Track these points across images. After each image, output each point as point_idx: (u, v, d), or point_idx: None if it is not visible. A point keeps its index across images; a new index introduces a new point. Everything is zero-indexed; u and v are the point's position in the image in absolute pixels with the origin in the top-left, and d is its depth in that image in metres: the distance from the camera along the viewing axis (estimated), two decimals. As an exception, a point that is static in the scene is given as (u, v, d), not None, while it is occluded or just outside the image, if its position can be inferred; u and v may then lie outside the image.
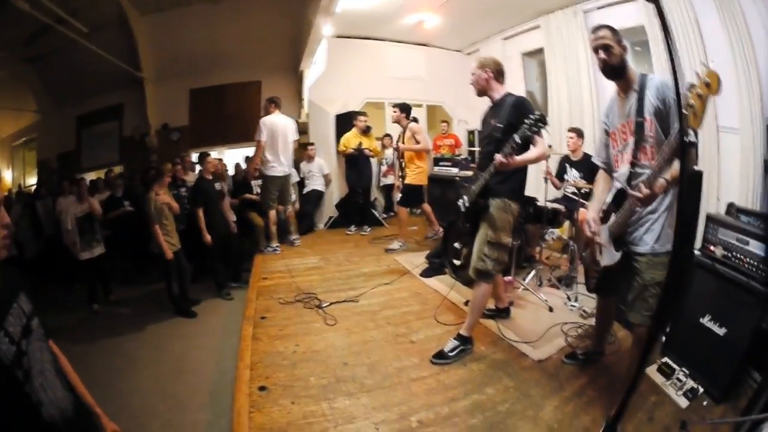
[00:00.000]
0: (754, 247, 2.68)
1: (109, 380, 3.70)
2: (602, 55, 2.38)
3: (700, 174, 3.90)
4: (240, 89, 9.51)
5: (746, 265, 2.70)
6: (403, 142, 6.22)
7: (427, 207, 6.60)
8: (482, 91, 3.33)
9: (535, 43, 7.63)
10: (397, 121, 6.30)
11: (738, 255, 2.76)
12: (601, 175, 2.81)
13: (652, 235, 2.34)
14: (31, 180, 11.53)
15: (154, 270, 6.04)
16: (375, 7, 7.33)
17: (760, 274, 2.59)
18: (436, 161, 8.06)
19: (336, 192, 8.55)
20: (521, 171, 3.19)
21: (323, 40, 7.79)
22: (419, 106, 9.12)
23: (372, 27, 8.38)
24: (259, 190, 6.88)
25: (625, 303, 2.53)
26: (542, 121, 2.72)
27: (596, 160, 2.80)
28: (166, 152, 8.98)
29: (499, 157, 2.84)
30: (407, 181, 6.24)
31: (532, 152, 2.98)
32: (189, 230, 5.84)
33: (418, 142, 6.08)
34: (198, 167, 6.81)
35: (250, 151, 8.38)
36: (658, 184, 2.13)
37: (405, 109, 6.21)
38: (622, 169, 2.46)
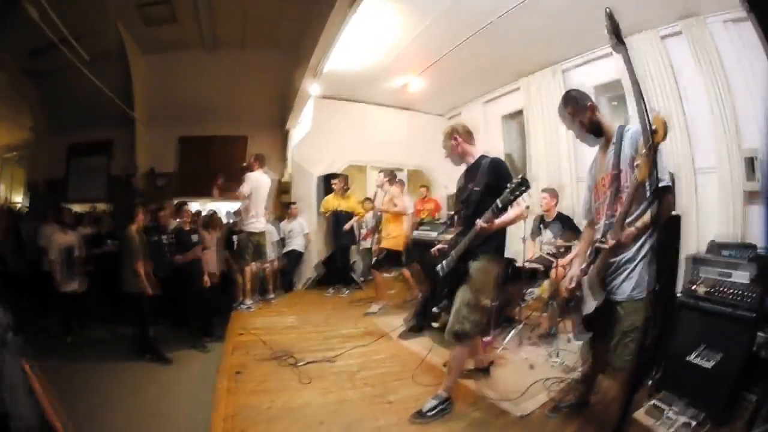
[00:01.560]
0: (738, 277, 2.84)
1: (80, 413, 3.52)
2: (574, 132, 2.62)
3: (677, 218, 4.02)
4: (227, 142, 9.58)
5: (731, 296, 2.83)
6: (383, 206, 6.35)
7: (406, 272, 6.61)
8: (459, 158, 3.42)
9: (515, 105, 7.93)
10: (380, 186, 6.44)
11: (722, 288, 2.91)
12: (586, 231, 2.91)
13: (630, 283, 2.41)
14: (17, 197, 11.40)
15: (129, 311, 5.79)
16: (362, 69, 7.60)
17: (746, 301, 2.72)
18: (416, 225, 8.13)
19: (315, 252, 8.55)
20: (501, 231, 3.19)
21: (310, 100, 7.99)
22: (400, 170, 9.34)
23: (358, 89, 8.63)
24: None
25: (608, 349, 2.55)
26: (525, 185, 2.72)
27: (582, 216, 2.93)
28: (151, 197, 8.75)
29: (480, 222, 2.87)
30: (383, 244, 6.34)
31: (510, 214, 3.01)
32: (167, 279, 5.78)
33: (395, 206, 6.20)
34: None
35: (232, 205, 8.43)
36: (626, 233, 2.26)
37: (391, 174, 6.50)
38: (601, 222, 2.55)
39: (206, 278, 5.92)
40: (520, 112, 7.77)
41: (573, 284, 2.68)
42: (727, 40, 4.63)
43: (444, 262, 3.35)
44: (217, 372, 4.03)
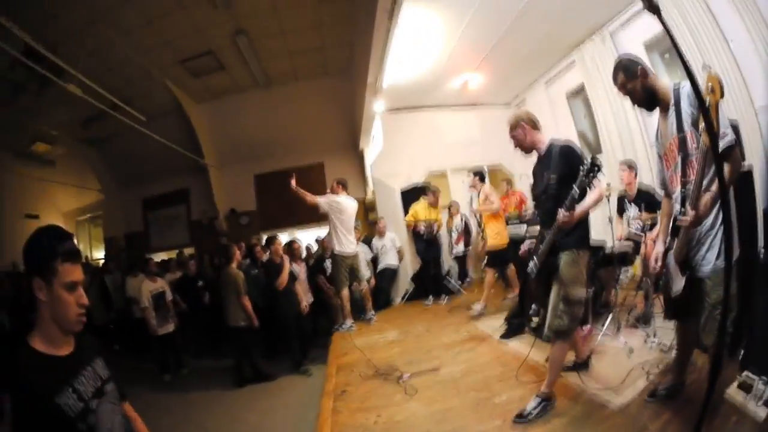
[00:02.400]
0: None
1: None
2: (630, 100, 2.53)
3: (748, 173, 3.69)
4: (303, 172, 9.71)
5: None
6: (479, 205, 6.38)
7: (512, 269, 6.59)
8: (529, 148, 3.32)
9: (576, 80, 7.72)
10: (473, 186, 6.49)
11: None
12: (664, 203, 2.78)
13: (714, 252, 2.28)
14: (98, 254, 12.45)
15: (226, 345, 6.38)
16: (419, 76, 7.73)
17: None
18: (505, 221, 8.01)
19: (410, 265, 8.65)
20: (584, 219, 3.09)
21: (376, 117, 8.12)
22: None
23: (421, 96, 8.75)
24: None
25: (699, 326, 2.42)
26: (597, 165, 2.66)
27: (657, 188, 2.85)
28: (235, 236, 9.44)
29: (562, 214, 2.84)
30: (489, 243, 6.33)
31: (590, 198, 2.92)
32: (265, 309, 6.23)
33: (492, 203, 6.23)
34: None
35: (320, 232, 8.76)
36: (703, 201, 2.13)
37: (479, 174, 6.53)
38: (677, 191, 2.44)
39: (304, 304, 6.28)
40: (582, 87, 7.53)
41: (659, 264, 2.58)
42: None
43: (534, 259, 3.31)
44: (322, 394, 4.16)
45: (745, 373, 2.64)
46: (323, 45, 7.64)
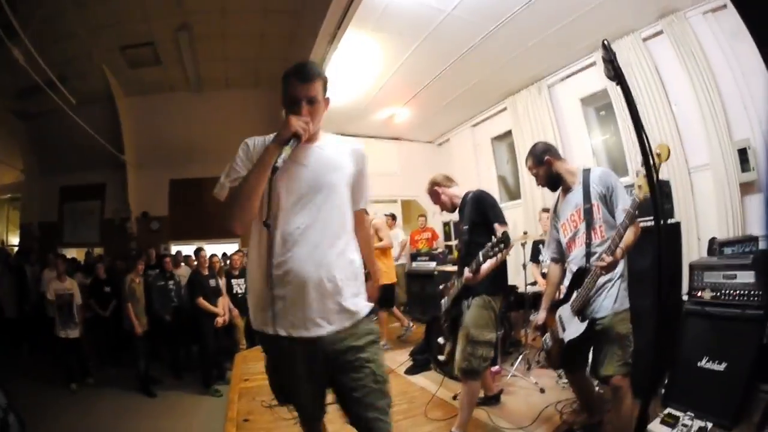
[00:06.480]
0: (743, 277, 2.87)
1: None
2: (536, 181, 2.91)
3: (677, 225, 4.08)
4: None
5: (738, 297, 2.86)
6: None
7: (396, 309, 6.52)
8: (450, 206, 3.52)
9: (504, 126, 7.99)
10: None
11: (727, 291, 2.94)
12: (551, 271, 3.03)
13: (611, 299, 2.53)
14: (13, 239, 11.27)
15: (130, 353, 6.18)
16: (347, 103, 7.73)
17: (753, 299, 2.79)
18: (414, 256, 8.08)
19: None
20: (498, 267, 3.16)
21: (298, 136, 7.98)
22: (394, 201, 9.34)
23: (346, 123, 8.67)
24: (240, 290, 6.76)
25: (595, 367, 2.63)
26: (505, 242, 2.74)
27: (547, 254, 3.12)
28: (145, 241, 9.01)
29: (466, 273, 2.98)
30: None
31: (492, 260, 2.98)
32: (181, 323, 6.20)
33: (381, 240, 6.04)
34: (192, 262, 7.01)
35: (228, 248, 8.44)
36: (617, 252, 2.36)
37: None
38: (576, 252, 2.69)
39: (219, 319, 6.02)
40: (509, 133, 7.80)
41: (535, 334, 2.78)
42: (708, 31, 4.71)
43: (446, 298, 3.44)
44: (224, 421, 3.90)
45: (668, 409, 2.85)
46: (259, 56, 7.51)
